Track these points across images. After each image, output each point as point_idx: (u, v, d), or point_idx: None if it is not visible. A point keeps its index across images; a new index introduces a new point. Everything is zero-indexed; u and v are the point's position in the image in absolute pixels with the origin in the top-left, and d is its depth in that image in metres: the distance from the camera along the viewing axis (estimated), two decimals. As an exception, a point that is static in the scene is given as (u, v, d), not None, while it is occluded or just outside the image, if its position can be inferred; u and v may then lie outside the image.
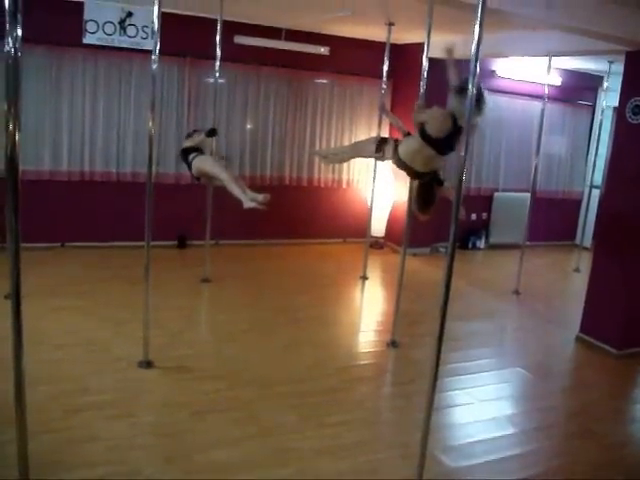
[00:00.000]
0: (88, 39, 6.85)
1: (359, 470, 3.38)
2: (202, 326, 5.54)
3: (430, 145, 4.19)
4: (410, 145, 4.34)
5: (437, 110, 4.25)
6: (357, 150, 5.22)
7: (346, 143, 8.64)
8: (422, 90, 4.82)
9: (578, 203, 10.21)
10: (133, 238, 6.45)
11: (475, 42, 2.73)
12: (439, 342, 3.00)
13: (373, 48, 7.86)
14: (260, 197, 5.19)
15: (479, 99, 4.09)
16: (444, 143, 4.18)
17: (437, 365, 3.03)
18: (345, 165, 8.71)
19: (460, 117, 4.07)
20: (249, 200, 5.18)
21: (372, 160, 6.71)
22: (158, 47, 4.11)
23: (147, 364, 4.39)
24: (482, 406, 4.37)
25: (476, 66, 2.75)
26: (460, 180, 2.86)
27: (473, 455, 3.68)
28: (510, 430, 4.05)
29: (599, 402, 4.63)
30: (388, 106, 7.54)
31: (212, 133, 6.05)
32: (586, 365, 5.42)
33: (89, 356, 4.50)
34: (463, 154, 2.86)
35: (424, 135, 4.19)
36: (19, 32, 2.14)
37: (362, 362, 5.01)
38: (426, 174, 4.48)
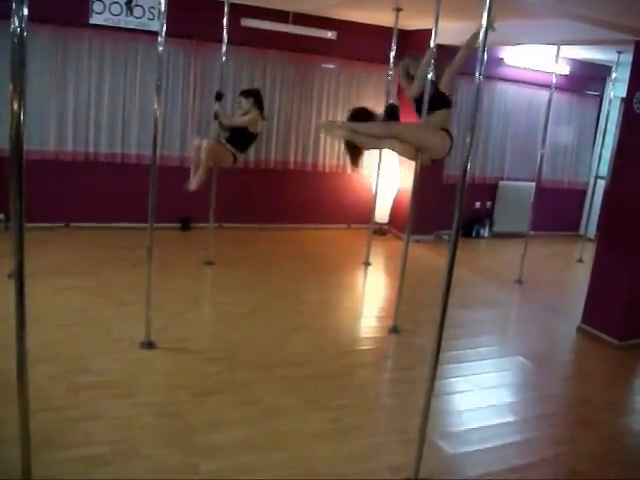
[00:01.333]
0: (94, 19, 6.85)
1: (358, 454, 3.40)
2: (204, 308, 5.56)
3: None
4: None
5: None
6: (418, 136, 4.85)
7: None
8: (430, 77, 4.78)
9: (583, 194, 10.18)
10: (137, 219, 6.46)
11: (483, 29, 2.72)
12: (440, 329, 3.01)
13: (380, 34, 7.82)
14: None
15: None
16: None
17: (438, 352, 3.04)
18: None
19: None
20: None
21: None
22: (165, 28, 4.09)
23: (149, 345, 4.41)
24: (482, 393, 4.38)
25: (484, 54, 2.74)
26: (465, 167, 2.86)
27: (472, 442, 3.69)
28: (510, 418, 4.06)
29: (599, 392, 4.64)
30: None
31: (218, 97, 6.29)
32: (587, 355, 5.43)
33: (91, 336, 4.52)
34: (468, 141, 2.85)
35: None
36: (25, 11, 2.13)
37: (363, 347, 5.03)
38: None
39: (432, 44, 4.76)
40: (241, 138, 6.24)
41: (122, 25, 6.97)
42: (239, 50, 7.58)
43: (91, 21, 6.83)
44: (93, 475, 2.96)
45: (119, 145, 7.41)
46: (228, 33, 6.12)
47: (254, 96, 6.29)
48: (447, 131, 4.71)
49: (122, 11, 6.91)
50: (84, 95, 7.13)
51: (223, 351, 4.56)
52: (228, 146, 6.20)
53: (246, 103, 6.24)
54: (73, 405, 3.56)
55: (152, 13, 6.97)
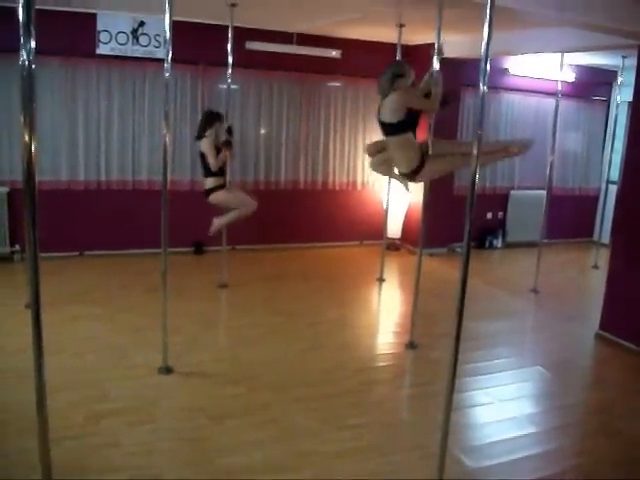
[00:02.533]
0: (102, 49, 6.94)
1: (379, 472, 3.38)
2: (220, 331, 5.57)
3: None
4: None
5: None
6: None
7: (359, 146, 8.66)
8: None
9: (595, 199, 10.13)
10: (150, 245, 6.50)
11: (485, 41, 2.74)
12: (456, 342, 3.00)
13: (384, 50, 7.85)
14: None
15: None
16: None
17: (455, 365, 3.03)
18: (359, 167, 8.73)
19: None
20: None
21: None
22: (170, 55, 4.14)
23: (166, 370, 4.42)
24: (502, 405, 4.35)
25: (486, 65, 2.75)
26: (473, 178, 2.86)
27: (494, 455, 3.66)
28: (530, 429, 4.02)
29: (620, 399, 4.59)
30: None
31: (220, 118, 6.30)
32: (606, 362, 5.37)
33: (109, 363, 4.54)
34: (476, 152, 2.86)
35: None
36: (32, 44, 2.17)
37: (381, 364, 5.01)
38: None
39: (435, 58, 4.76)
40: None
41: (129, 54, 7.07)
42: (245, 73, 7.65)
43: (98, 51, 6.93)
44: (115, 502, 2.96)
45: (130, 172, 7.48)
46: (233, 57, 6.18)
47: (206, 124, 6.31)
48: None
49: (128, 40, 7.00)
50: (94, 124, 7.21)
51: (240, 373, 4.56)
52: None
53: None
54: (93, 432, 3.57)
55: (158, 41, 7.06)
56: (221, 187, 6.27)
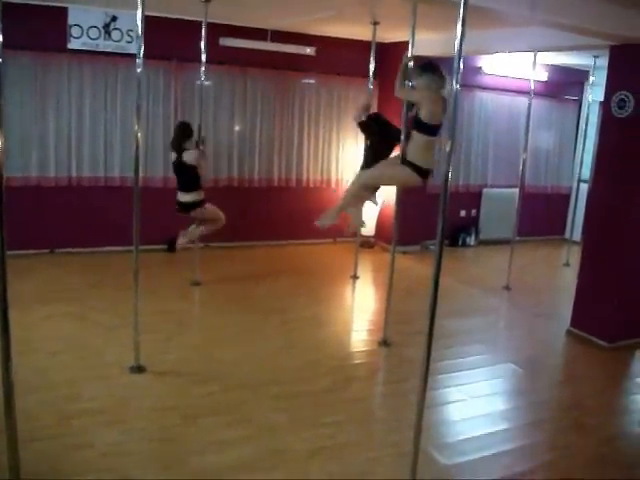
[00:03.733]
0: (73, 44, 6.85)
1: (353, 470, 3.38)
2: (193, 329, 5.52)
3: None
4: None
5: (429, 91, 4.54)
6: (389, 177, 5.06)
7: (333, 144, 8.67)
8: (409, 84, 4.80)
9: (567, 197, 10.25)
10: (123, 243, 6.44)
11: (458, 39, 2.75)
12: (429, 340, 3.01)
13: (359, 48, 7.87)
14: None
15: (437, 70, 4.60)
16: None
17: (428, 363, 3.04)
18: (333, 165, 8.73)
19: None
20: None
21: (359, 159, 6.73)
22: (142, 51, 4.09)
23: (139, 369, 4.38)
24: (475, 402, 4.37)
25: (459, 63, 2.76)
26: (446, 176, 2.87)
27: (467, 452, 3.68)
28: (503, 425, 4.05)
29: (591, 395, 4.65)
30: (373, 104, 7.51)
31: (202, 141, 6.28)
32: (577, 359, 5.44)
33: (80, 362, 4.48)
34: (449, 150, 2.87)
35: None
36: (0, 38, 2.13)
37: (354, 362, 5.02)
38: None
39: (409, 54, 4.77)
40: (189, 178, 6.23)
41: (101, 49, 6.97)
42: (219, 69, 7.60)
43: (69, 46, 6.83)
44: (86, 504, 2.92)
45: (102, 168, 7.39)
46: (207, 53, 6.13)
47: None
48: (412, 164, 4.69)
49: (100, 35, 6.91)
50: (65, 120, 7.11)
51: (214, 372, 4.53)
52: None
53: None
54: (65, 433, 3.52)
55: (130, 36, 6.98)
56: (203, 201, 6.26)
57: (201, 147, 6.21)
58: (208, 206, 6.29)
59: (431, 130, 4.57)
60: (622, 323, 5.57)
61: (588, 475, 3.54)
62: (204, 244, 7.11)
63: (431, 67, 4.61)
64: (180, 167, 6.10)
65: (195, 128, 6.15)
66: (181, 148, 6.07)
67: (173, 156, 6.16)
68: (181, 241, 6.44)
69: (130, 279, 4.40)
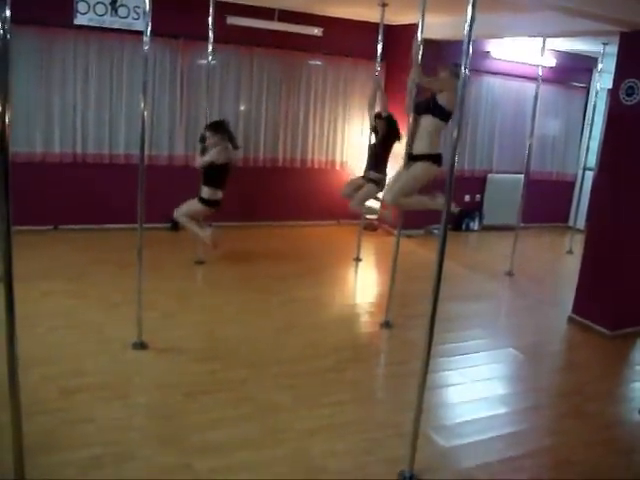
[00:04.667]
0: (79, 20, 6.81)
1: (353, 449, 3.40)
2: (196, 307, 5.54)
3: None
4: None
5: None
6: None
7: (339, 126, 8.65)
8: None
9: (572, 185, 10.22)
10: (127, 220, 6.43)
11: (468, 23, 2.73)
12: (431, 323, 3.02)
13: (366, 29, 7.83)
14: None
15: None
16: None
17: (429, 345, 3.05)
18: (338, 146, 8.71)
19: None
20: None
21: (365, 141, 6.75)
22: (149, 28, 4.07)
23: (141, 345, 4.40)
24: (475, 386, 4.40)
25: (469, 47, 2.74)
26: (452, 161, 2.87)
27: (465, 434, 3.71)
28: (502, 410, 4.08)
29: (591, 382, 4.66)
30: (382, 86, 7.54)
31: (202, 139, 6.37)
32: (578, 346, 5.46)
33: (83, 338, 4.51)
34: (455, 135, 2.87)
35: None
36: (7, 13, 2.12)
37: (356, 343, 5.03)
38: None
39: (419, 38, 4.75)
40: (210, 174, 6.29)
41: (107, 25, 6.93)
42: (225, 48, 7.56)
43: (75, 22, 6.79)
44: (88, 477, 2.95)
45: (107, 145, 7.38)
46: (214, 31, 6.10)
47: (218, 130, 6.31)
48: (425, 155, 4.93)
49: (107, 11, 6.87)
50: (70, 96, 7.09)
51: (216, 350, 4.56)
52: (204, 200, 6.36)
53: (212, 137, 6.25)
54: (67, 408, 3.55)
55: (137, 13, 6.94)
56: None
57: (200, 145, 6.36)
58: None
59: (447, 116, 4.68)
60: (624, 311, 5.58)
61: (586, 460, 3.56)
62: (208, 224, 7.10)
63: (456, 66, 4.70)
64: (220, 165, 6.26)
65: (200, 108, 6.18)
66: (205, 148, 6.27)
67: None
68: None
69: (133, 257, 4.41)
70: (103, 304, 5.19)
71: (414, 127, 4.98)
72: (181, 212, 6.36)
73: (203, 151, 6.29)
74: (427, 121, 4.89)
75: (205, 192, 6.28)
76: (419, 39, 4.76)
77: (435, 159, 4.97)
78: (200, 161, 6.25)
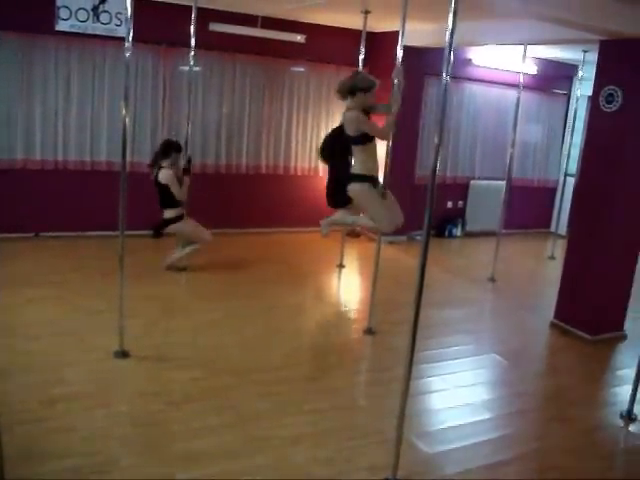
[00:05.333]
0: (60, 26, 6.76)
1: (336, 457, 3.40)
2: (178, 315, 5.50)
3: None
4: None
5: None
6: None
7: (322, 132, 8.64)
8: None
9: (553, 191, 10.30)
10: (108, 227, 6.38)
11: (449, 30, 2.75)
12: (414, 329, 3.03)
13: (349, 36, 7.85)
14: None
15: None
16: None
17: (412, 352, 3.06)
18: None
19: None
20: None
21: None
22: (131, 34, 4.06)
23: (123, 354, 4.36)
24: (458, 392, 4.41)
25: (450, 54, 2.76)
26: (434, 168, 2.88)
27: (449, 440, 3.71)
28: (485, 415, 4.09)
29: (573, 387, 4.69)
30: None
31: (177, 149, 6.33)
32: (560, 350, 5.49)
33: (64, 347, 4.46)
34: (437, 141, 2.88)
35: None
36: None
37: (339, 349, 5.02)
38: None
39: (399, 46, 4.77)
40: (169, 196, 6.30)
41: (89, 31, 6.89)
42: (208, 55, 7.56)
43: (57, 28, 6.74)
44: (68, 487, 2.92)
45: (88, 152, 7.33)
46: (196, 38, 6.09)
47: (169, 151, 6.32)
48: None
49: (89, 17, 6.84)
50: (52, 102, 7.04)
51: (198, 358, 4.54)
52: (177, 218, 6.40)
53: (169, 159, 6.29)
54: (48, 417, 3.51)
55: (119, 19, 6.91)
56: (181, 217, 6.37)
57: (186, 165, 6.34)
58: (184, 224, 6.41)
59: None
60: (605, 316, 5.63)
61: (570, 465, 3.58)
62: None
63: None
64: (155, 184, 6.26)
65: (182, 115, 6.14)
66: (158, 166, 6.24)
67: (153, 172, 6.30)
68: (168, 262, 6.51)
69: (115, 264, 4.37)
70: (85, 312, 5.15)
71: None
72: (173, 256, 6.47)
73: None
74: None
75: (170, 212, 6.35)
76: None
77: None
78: (182, 192, 6.31)
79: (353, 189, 4.91)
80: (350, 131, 4.76)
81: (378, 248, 5.22)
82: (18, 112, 6.89)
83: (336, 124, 8.53)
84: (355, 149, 4.88)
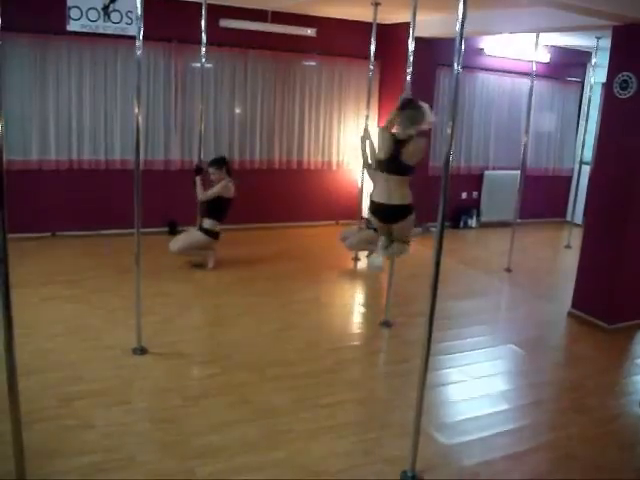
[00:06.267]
0: (72, 26, 6.79)
1: (354, 450, 3.40)
2: (195, 311, 5.54)
3: None
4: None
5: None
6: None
7: (334, 126, 8.65)
8: (409, 73, 4.77)
9: (568, 180, 10.23)
10: (124, 225, 6.44)
11: (460, 20, 2.73)
12: (430, 321, 3.02)
13: (360, 29, 7.82)
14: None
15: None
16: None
17: (429, 344, 3.05)
18: (334, 147, 8.70)
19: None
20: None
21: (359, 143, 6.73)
22: (142, 32, 4.07)
23: (140, 351, 4.39)
24: (475, 383, 4.39)
25: (461, 44, 2.74)
26: (448, 158, 2.86)
27: (467, 432, 3.70)
28: (504, 406, 4.07)
29: (592, 376, 4.66)
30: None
31: (198, 171, 6.49)
32: (578, 340, 5.45)
33: (82, 344, 4.50)
34: (450, 132, 2.86)
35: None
36: (-2, 20, 2.12)
37: (355, 343, 5.03)
38: None
39: (411, 37, 4.75)
40: (217, 207, 6.43)
41: (100, 31, 6.92)
42: (219, 51, 7.56)
43: (68, 28, 6.77)
44: (89, 483, 2.95)
45: (102, 151, 7.37)
46: (207, 34, 6.10)
47: (222, 164, 6.50)
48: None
49: (99, 17, 6.86)
50: (65, 103, 7.08)
51: (215, 353, 4.56)
52: (204, 229, 6.48)
53: (216, 173, 6.42)
54: (67, 414, 3.54)
55: (130, 17, 6.93)
56: (215, 236, 6.57)
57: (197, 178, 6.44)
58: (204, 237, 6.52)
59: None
60: (623, 304, 5.58)
61: (588, 455, 3.56)
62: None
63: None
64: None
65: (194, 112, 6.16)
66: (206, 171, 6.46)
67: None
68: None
69: (131, 262, 4.40)
70: (102, 310, 5.18)
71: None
72: (179, 245, 6.42)
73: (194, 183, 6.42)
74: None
75: (208, 223, 6.43)
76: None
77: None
78: (204, 194, 6.38)
79: (412, 219, 5.02)
80: (415, 160, 4.72)
81: (393, 240, 5.20)
82: (32, 113, 6.93)
83: (348, 117, 8.59)
84: (407, 179, 4.83)
